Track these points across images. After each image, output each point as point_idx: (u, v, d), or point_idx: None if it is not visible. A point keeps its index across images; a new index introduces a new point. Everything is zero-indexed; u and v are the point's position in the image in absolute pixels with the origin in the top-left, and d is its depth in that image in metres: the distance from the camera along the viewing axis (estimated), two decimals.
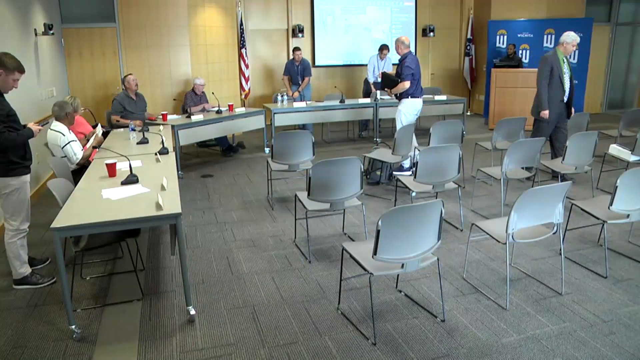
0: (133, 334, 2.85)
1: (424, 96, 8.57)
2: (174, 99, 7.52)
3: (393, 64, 8.40)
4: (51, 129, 4.20)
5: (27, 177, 3.36)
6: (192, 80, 7.41)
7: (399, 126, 5.77)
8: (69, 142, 4.20)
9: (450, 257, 3.75)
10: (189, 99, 6.99)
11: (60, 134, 4.18)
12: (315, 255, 3.85)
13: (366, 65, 8.38)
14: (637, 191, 3.29)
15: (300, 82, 8.19)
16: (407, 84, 5.68)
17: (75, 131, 4.59)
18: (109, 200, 3.04)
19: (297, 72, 8.16)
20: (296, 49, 8.14)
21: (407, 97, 5.78)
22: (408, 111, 5.86)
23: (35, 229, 4.39)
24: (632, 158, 5.07)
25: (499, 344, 2.68)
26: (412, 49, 10.12)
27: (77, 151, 4.25)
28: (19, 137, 3.20)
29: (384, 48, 8.05)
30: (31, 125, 3.33)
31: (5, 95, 3.23)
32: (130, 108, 6.29)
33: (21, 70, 3.24)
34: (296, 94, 8.15)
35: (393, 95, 6.05)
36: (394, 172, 5.79)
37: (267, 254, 3.91)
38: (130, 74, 6.35)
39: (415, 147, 5.65)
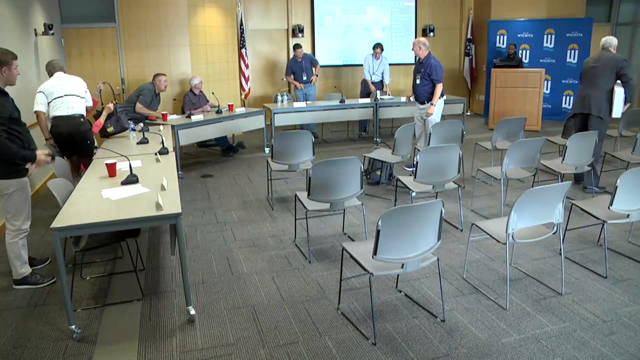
0: (133, 334, 2.85)
1: None
2: (174, 99, 7.52)
3: (390, 64, 8.42)
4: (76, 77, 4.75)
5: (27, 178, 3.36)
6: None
7: (431, 128, 5.63)
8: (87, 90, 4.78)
9: (450, 257, 3.75)
10: (188, 101, 6.99)
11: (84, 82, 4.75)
12: (315, 255, 3.85)
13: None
14: (637, 191, 3.30)
15: (304, 78, 8.11)
16: (441, 86, 5.79)
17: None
18: (109, 200, 3.04)
19: (302, 69, 8.09)
20: (297, 46, 8.05)
21: (438, 98, 5.86)
22: (439, 111, 5.97)
23: (35, 229, 4.39)
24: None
25: (499, 344, 2.68)
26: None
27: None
28: (18, 153, 3.13)
29: (377, 47, 8.05)
30: (40, 154, 3.26)
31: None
32: (153, 104, 6.45)
33: (15, 56, 3.28)
34: (314, 78, 8.17)
35: (435, 102, 5.87)
36: (405, 168, 6.06)
37: (267, 254, 3.91)
38: (163, 74, 6.48)
39: (415, 148, 5.70)
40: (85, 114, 4.64)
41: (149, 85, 6.43)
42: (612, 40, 5.24)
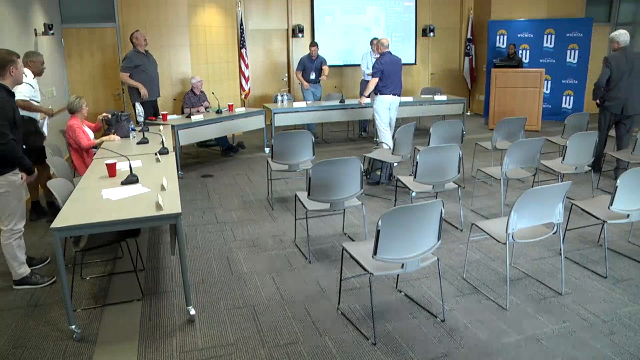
0: (133, 334, 2.85)
1: (424, 96, 8.65)
2: (174, 99, 7.52)
3: None
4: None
5: (17, 175, 3.30)
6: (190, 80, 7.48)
7: (376, 122, 6.55)
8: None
9: (450, 257, 3.75)
10: (188, 100, 7.00)
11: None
12: (315, 255, 3.85)
13: None
14: (637, 191, 3.30)
15: (313, 77, 8.08)
16: (375, 80, 6.29)
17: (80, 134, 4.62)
18: (109, 200, 3.04)
19: (312, 67, 8.05)
20: (313, 43, 8.03)
21: (377, 94, 6.39)
22: (378, 107, 6.45)
23: (35, 229, 4.39)
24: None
25: (499, 344, 2.68)
26: (412, 49, 10.18)
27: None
28: (22, 159, 3.21)
29: (375, 40, 8.06)
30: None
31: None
32: (143, 65, 6.33)
33: (18, 55, 3.30)
34: (324, 77, 8.13)
35: (367, 96, 6.71)
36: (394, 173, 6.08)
37: (267, 254, 3.91)
38: (137, 30, 6.40)
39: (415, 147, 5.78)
40: (32, 116, 4.42)
41: (130, 52, 6.36)
42: (629, 36, 5.45)
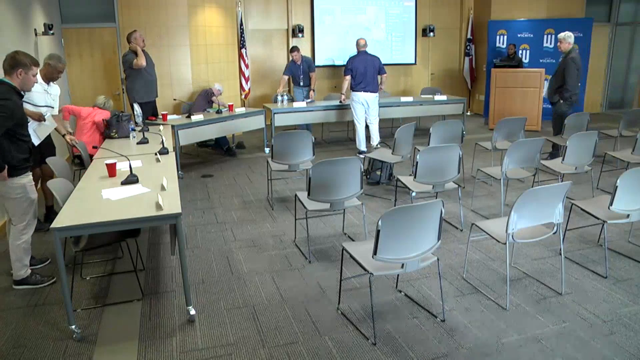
0: (133, 334, 2.85)
1: (424, 96, 8.66)
2: (174, 99, 7.52)
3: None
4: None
5: (29, 177, 3.34)
6: (191, 80, 7.48)
7: (353, 118, 6.98)
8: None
9: (450, 257, 3.75)
10: (210, 94, 7.13)
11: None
12: (315, 255, 3.85)
13: None
14: (637, 191, 3.30)
15: (302, 83, 8.01)
16: (347, 78, 6.79)
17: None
18: (109, 200, 3.04)
19: (300, 72, 7.99)
20: (293, 48, 7.87)
21: (352, 91, 6.85)
22: (352, 103, 6.91)
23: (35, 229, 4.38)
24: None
25: (499, 344, 2.68)
26: (412, 49, 10.19)
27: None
28: None
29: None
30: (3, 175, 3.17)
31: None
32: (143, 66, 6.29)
33: (36, 64, 3.26)
34: (312, 94, 7.93)
35: (343, 94, 7.25)
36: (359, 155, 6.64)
37: (267, 254, 3.91)
38: (135, 30, 6.28)
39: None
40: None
41: (129, 52, 6.29)
42: None
